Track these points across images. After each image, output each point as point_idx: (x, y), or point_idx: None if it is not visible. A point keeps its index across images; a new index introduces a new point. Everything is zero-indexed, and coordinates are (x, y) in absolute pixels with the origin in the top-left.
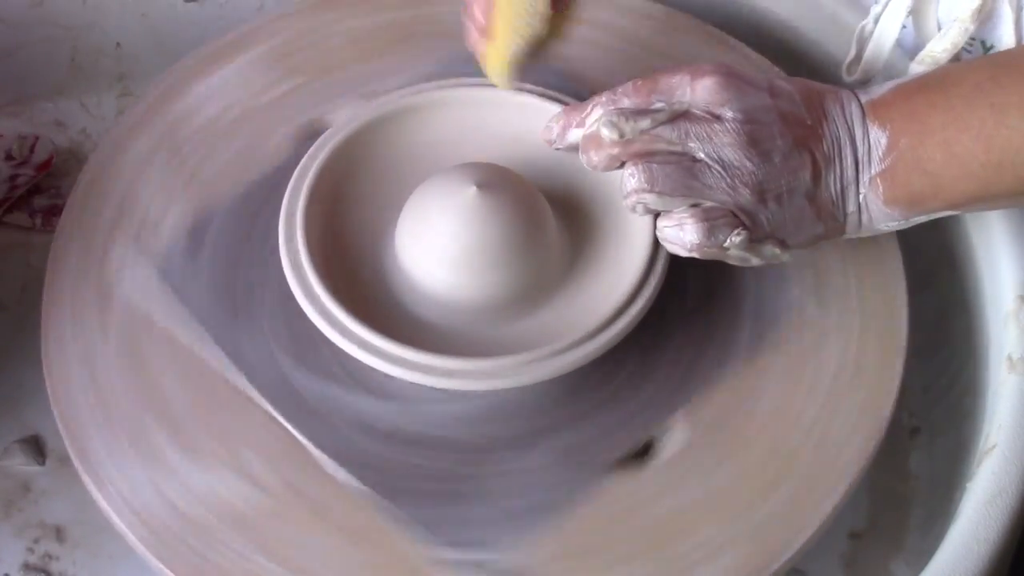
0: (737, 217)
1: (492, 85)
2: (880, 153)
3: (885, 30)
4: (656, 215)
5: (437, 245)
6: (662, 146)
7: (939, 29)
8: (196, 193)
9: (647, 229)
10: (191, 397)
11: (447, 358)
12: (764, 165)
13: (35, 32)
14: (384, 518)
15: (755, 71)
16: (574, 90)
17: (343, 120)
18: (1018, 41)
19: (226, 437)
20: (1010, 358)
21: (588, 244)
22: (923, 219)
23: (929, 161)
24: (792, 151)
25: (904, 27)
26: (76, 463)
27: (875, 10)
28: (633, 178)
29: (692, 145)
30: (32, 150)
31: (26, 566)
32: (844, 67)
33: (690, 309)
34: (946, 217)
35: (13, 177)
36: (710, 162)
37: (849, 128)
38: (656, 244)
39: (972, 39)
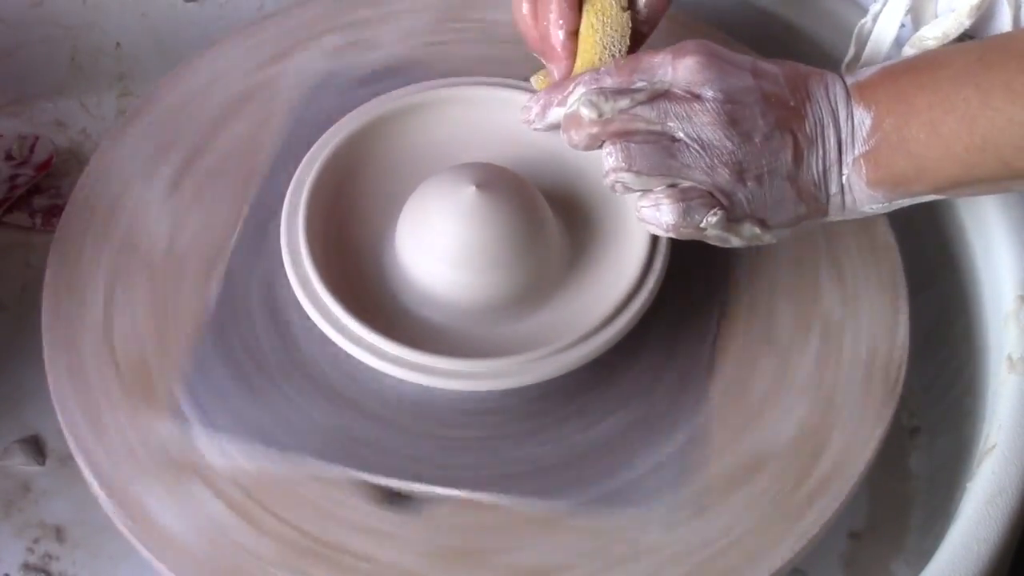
0: (715, 197)
1: (493, 85)
2: (864, 134)
3: (884, 29)
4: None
5: (437, 245)
6: (641, 125)
7: None
8: (196, 192)
9: (646, 229)
10: None
11: (447, 358)
12: (744, 145)
13: (35, 32)
14: None
15: (738, 53)
16: None
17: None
18: None
19: None
20: (1010, 358)
21: (588, 244)
22: (907, 202)
23: (913, 142)
24: (773, 132)
25: (903, 26)
26: (78, 463)
27: (874, 8)
28: (611, 157)
29: (671, 124)
30: (32, 150)
31: (26, 566)
32: (843, 66)
33: (685, 307)
34: (946, 217)
35: (13, 177)
36: (689, 141)
37: (833, 109)
38: (655, 244)
39: (971, 36)
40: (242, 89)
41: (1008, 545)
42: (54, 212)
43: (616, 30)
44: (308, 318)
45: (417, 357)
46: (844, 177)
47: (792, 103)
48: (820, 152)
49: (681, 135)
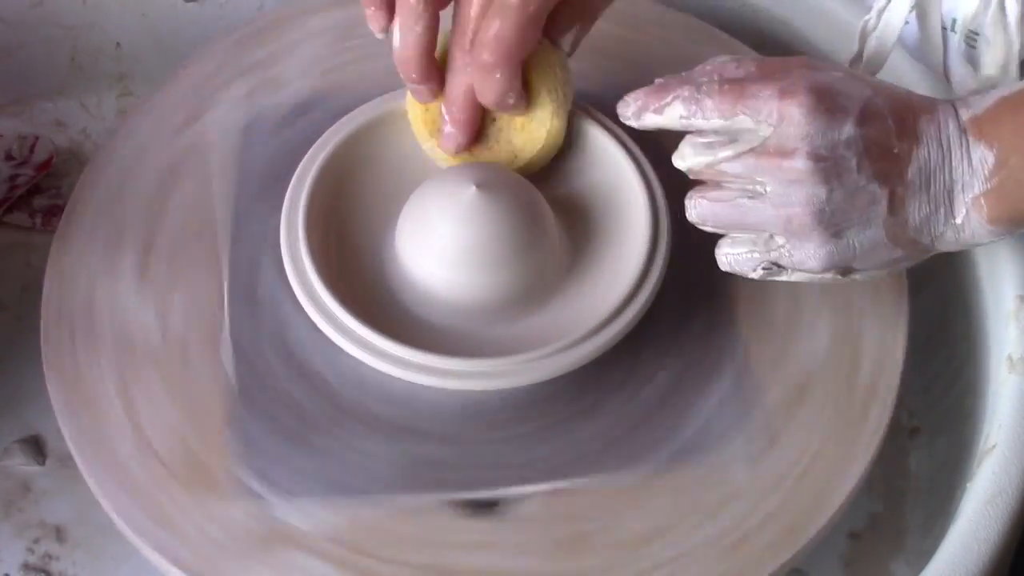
0: (782, 248)
1: None
2: (986, 173)
3: (888, 26)
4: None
5: (437, 245)
6: (727, 177)
7: (943, 26)
8: (168, 271)
9: (646, 229)
10: None
11: (447, 358)
12: (831, 202)
13: (35, 32)
14: None
15: (856, 81)
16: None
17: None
18: None
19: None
20: (1010, 358)
21: (588, 244)
22: None
23: None
24: (869, 184)
25: (907, 23)
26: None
27: (878, 5)
28: (691, 211)
29: (759, 179)
30: (32, 150)
31: (26, 566)
32: (847, 65)
33: (684, 308)
34: None
35: (13, 177)
36: (773, 197)
37: (944, 151)
38: (655, 244)
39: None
40: (171, 156)
41: (1008, 545)
42: (54, 212)
43: (563, 87)
44: (333, 360)
45: (417, 357)
46: (959, 218)
47: (896, 150)
48: (924, 198)
49: (767, 190)
